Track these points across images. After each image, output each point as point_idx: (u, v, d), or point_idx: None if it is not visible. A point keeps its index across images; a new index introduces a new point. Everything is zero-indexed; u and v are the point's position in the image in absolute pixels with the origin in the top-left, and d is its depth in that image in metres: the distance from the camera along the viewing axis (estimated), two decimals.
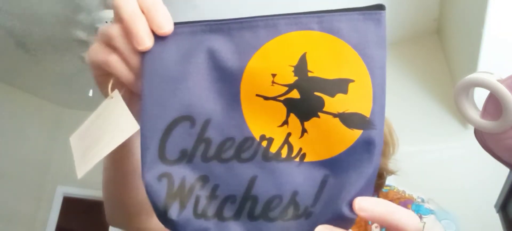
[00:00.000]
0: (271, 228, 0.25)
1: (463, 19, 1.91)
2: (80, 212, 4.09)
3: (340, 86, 0.25)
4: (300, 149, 0.26)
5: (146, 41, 0.26)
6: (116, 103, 0.29)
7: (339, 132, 0.25)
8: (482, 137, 0.59)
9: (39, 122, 3.61)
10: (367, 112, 0.25)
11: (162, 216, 0.25)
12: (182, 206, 0.25)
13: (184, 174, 0.26)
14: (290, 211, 0.25)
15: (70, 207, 3.59)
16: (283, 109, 0.26)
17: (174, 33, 0.27)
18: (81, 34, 2.34)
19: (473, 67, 1.78)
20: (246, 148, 0.26)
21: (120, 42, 0.28)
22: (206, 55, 0.27)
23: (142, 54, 0.27)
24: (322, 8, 0.27)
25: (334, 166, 0.25)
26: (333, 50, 0.25)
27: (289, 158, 0.25)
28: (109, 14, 2.17)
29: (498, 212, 1.44)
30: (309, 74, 0.25)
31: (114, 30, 0.28)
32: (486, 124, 0.56)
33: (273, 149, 0.26)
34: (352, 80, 0.25)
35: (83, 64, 2.58)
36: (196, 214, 0.25)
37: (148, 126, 0.26)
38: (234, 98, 0.26)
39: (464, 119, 0.60)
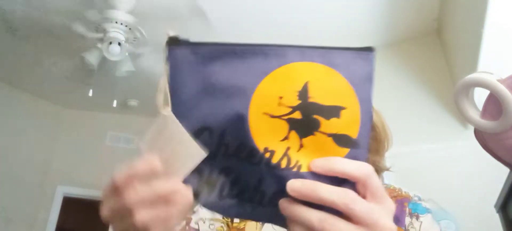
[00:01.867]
0: (279, 212, 0.31)
1: (463, 19, 1.91)
2: (80, 212, 4.09)
3: (334, 111, 0.30)
4: (297, 161, 0.31)
5: (176, 187, 0.31)
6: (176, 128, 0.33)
7: (330, 149, 0.30)
8: (482, 137, 0.59)
9: (39, 122, 3.61)
10: (354, 135, 0.31)
11: (196, 200, 0.33)
12: (210, 192, 0.32)
13: (211, 167, 0.32)
14: None
15: (70, 207, 3.59)
16: (285, 126, 0.31)
17: (195, 57, 0.32)
18: (81, 28, 2.31)
19: (473, 67, 1.78)
20: (253, 156, 0.31)
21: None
22: (222, 75, 0.31)
23: (169, 79, 0.32)
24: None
25: (326, 177, 0.30)
26: (331, 81, 0.31)
27: (287, 168, 0.31)
28: (118, 15, 2.16)
29: (498, 212, 1.44)
30: (310, 100, 0.30)
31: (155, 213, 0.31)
32: (486, 124, 0.56)
33: (274, 160, 0.31)
34: (344, 108, 0.30)
35: (83, 64, 2.57)
36: (221, 196, 0.33)
37: None
38: (243, 115, 0.31)
39: (464, 119, 0.60)
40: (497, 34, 1.58)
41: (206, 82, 0.31)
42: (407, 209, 0.55)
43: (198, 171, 0.32)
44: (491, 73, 0.52)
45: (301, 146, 0.31)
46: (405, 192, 0.59)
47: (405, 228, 0.53)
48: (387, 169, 0.63)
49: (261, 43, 0.31)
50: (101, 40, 2.26)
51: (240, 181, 0.32)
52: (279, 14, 2.36)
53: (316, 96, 0.30)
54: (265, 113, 0.31)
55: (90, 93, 2.81)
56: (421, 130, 2.21)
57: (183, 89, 0.32)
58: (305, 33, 2.52)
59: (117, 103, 3.30)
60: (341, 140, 0.30)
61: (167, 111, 0.32)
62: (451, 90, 0.60)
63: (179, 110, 0.31)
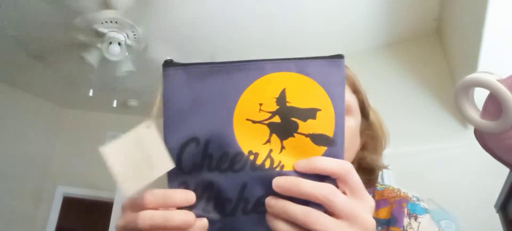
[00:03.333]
0: (261, 219, 0.33)
1: (463, 19, 1.91)
2: (80, 212, 4.09)
3: (310, 113, 0.33)
4: (280, 162, 0.33)
5: (191, 220, 0.32)
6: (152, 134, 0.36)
7: (309, 148, 0.33)
8: (482, 137, 0.59)
9: (39, 122, 3.61)
10: (330, 133, 0.33)
11: None
12: (194, 206, 0.33)
13: (196, 181, 0.34)
14: None
15: (70, 207, 3.59)
16: (266, 130, 0.33)
17: (186, 76, 0.35)
18: (82, 37, 2.33)
19: (473, 67, 1.78)
20: (237, 161, 0.33)
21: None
22: (209, 90, 0.34)
23: (164, 95, 0.35)
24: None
25: (306, 175, 0.32)
26: (306, 87, 0.34)
27: (271, 168, 0.33)
28: (105, 14, 2.17)
29: (498, 212, 1.44)
30: (288, 104, 0.33)
31: None
32: (486, 124, 0.55)
33: (259, 162, 0.33)
34: (319, 109, 0.33)
35: (83, 64, 2.57)
36: (205, 211, 0.34)
37: (168, 147, 0.34)
38: (228, 122, 0.34)
39: (464, 119, 0.60)
40: (497, 34, 1.58)
41: (195, 97, 0.34)
42: (406, 210, 0.55)
43: (184, 184, 0.34)
44: (491, 73, 0.52)
45: (283, 147, 0.33)
46: (404, 192, 0.59)
47: (404, 228, 0.53)
48: (385, 167, 0.63)
49: (243, 60, 0.35)
50: (101, 40, 2.26)
51: (221, 196, 0.33)
52: (278, 14, 2.36)
53: (293, 101, 0.33)
54: (248, 120, 0.33)
55: (90, 93, 2.81)
56: (421, 130, 2.21)
57: (175, 104, 0.34)
58: (304, 34, 2.53)
59: (117, 103, 3.30)
60: (318, 139, 0.33)
61: (153, 122, 0.35)
62: (451, 90, 0.60)
63: (170, 123, 0.34)
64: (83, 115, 3.85)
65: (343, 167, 0.31)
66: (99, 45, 2.32)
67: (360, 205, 0.31)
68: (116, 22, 2.20)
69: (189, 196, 0.33)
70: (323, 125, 0.33)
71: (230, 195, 0.33)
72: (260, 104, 0.33)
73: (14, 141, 3.31)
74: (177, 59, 0.36)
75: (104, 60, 2.42)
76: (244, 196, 0.33)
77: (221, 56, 2.67)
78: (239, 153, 0.33)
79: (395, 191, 0.59)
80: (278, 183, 0.31)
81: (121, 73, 2.53)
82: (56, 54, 2.74)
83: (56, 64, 2.90)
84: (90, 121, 3.83)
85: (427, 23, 2.41)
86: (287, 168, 0.33)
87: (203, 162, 0.34)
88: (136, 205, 0.33)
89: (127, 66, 2.50)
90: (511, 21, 1.53)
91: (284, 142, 0.33)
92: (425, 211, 0.55)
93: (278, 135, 0.33)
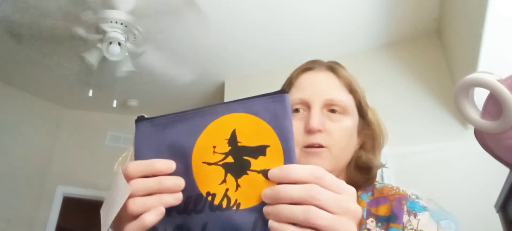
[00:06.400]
0: None
1: (463, 19, 1.91)
2: (80, 212, 4.08)
3: (260, 150, 0.35)
4: (236, 200, 0.35)
5: (181, 184, 0.36)
6: (119, 178, 0.39)
7: (262, 184, 0.34)
8: (482, 137, 0.59)
9: (39, 122, 3.61)
10: None
11: None
12: None
13: (165, 225, 0.36)
14: None
15: (70, 207, 3.59)
16: (222, 171, 0.36)
17: (153, 128, 0.38)
18: (81, 31, 2.31)
19: (473, 67, 1.78)
20: (198, 202, 0.36)
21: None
22: (171, 138, 0.38)
23: (135, 147, 0.39)
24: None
25: (262, 209, 0.34)
26: (253, 125, 0.36)
27: (228, 207, 0.35)
28: (114, 14, 2.16)
29: (498, 212, 1.44)
30: (239, 144, 0.36)
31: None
32: (486, 124, 0.55)
33: (216, 202, 0.35)
34: (268, 146, 0.35)
35: (82, 64, 2.57)
36: None
37: None
38: (188, 167, 0.37)
39: (464, 119, 0.60)
40: (497, 34, 1.58)
41: (160, 146, 0.38)
42: (405, 207, 0.55)
43: (153, 229, 0.36)
44: (491, 73, 0.52)
45: (238, 185, 0.35)
46: (403, 190, 0.59)
47: (403, 225, 0.53)
48: (383, 166, 0.63)
49: (198, 107, 0.38)
50: (101, 40, 2.26)
51: None
52: (277, 14, 2.36)
53: (243, 140, 0.36)
54: (204, 162, 0.36)
55: (90, 93, 2.81)
56: (421, 130, 2.21)
57: (143, 153, 0.38)
58: (304, 34, 2.53)
59: (117, 103, 3.29)
60: None
61: (117, 169, 0.39)
62: (451, 90, 0.60)
63: None
64: (83, 115, 3.85)
65: (314, 172, 0.33)
66: (99, 45, 2.31)
67: (344, 197, 0.33)
68: (126, 26, 2.21)
69: (169, 164, 0.36)
70: (272, 160, 0.35)
71: None
72: (214, 147, 0.36)
73: (14, 141, 3.31)
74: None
75: (104, 60, 2.42)
76: None
77: (219, 54, 2.66)
78: (199, 195, 0.36)
79: (395, 188, 0.60)
80: (265, 193, 0.34)
81: (121, 73, 2.53)
82: (56, 53, 2.74)
83: (56, 64, 2.89)
84: (90, 121, 3.83)
85: (427, 23, 2.41)
86: (243, 205, 0.35)
87: (172, 207, 0.36)
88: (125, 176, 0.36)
89: (127, 66, 2.50)
90: (511, 21, 1.53)
91: (239, 180, 0.35)
92: (424, 208, 0.55)
93: (232, 174, 0.35)
